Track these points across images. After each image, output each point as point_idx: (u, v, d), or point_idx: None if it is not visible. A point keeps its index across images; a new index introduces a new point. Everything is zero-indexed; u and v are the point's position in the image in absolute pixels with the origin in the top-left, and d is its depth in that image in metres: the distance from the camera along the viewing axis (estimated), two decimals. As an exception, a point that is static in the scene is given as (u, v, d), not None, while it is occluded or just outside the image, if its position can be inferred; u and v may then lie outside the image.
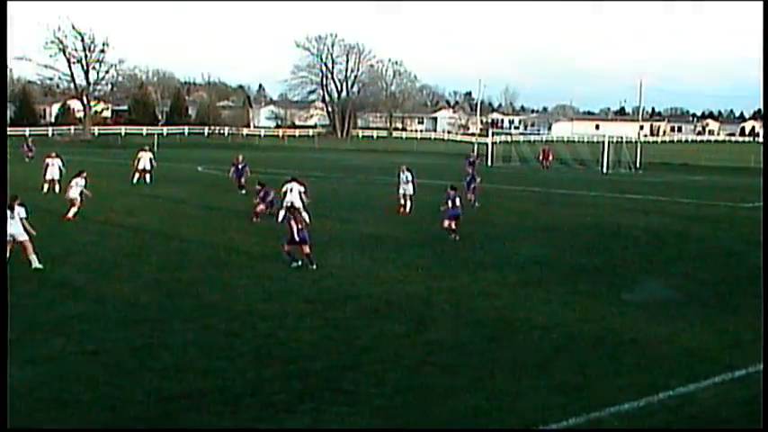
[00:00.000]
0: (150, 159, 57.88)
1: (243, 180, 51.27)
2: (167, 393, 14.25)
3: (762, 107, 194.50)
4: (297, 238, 25.90)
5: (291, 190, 38.35)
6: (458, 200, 33.34)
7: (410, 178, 43.06)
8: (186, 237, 31.91)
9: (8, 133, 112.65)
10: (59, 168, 50.57)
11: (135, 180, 55.67)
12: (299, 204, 36.42)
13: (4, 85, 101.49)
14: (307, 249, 25.93)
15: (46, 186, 49.07)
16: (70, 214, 37.09)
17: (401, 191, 42.92)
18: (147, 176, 56.59)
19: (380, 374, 15.54)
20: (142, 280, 23.77)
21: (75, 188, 38.11)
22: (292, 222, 26.18)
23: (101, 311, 20.02)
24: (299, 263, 25.79)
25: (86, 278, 23.94)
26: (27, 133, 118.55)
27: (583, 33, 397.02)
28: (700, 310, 21.32)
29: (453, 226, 32.83)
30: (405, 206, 42.33)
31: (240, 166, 52.03)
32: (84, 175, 39.30)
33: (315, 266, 25.59)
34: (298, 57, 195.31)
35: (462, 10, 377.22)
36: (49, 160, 51.32)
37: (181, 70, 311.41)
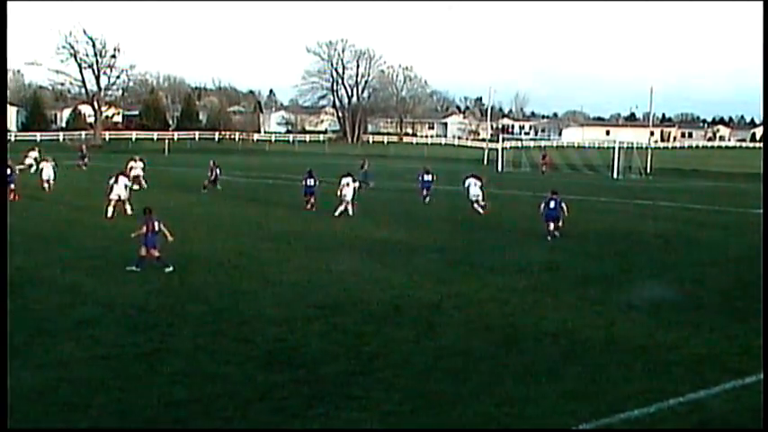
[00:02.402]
0: (141, 168, 59.41)
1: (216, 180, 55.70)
2: (177, 398, 14.27)
3: (762, 110, 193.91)
4: (152, 241, 25.79)
5: (348, 184, 42.31)
6: (552, 203, 35.90)
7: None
8: (196, 242, 31.94)
9: (19, 138, 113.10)
10: (53, 170, 53.89)
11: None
12: (350, 198, 41.93)
13: (4, 85, 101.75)
14: (156, 253, 25.78)
15: (46, 186, 52.13)
16: (111, 210, 39.36)
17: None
18: (143, 182, 57.59)
19: (390, 380, 15.54)
20: (152, 285, 23.78)
21: (120, 187, 40.47)
22: (145, 227, 25.89)
23: (110, 316, 20.07)
24: (172, 267, 25.57)
25: (96, 283, 23.96)
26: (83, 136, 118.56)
27: (593, 39, 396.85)
28: (709, 317, 21.28)
29: (552, 227, 35.60)
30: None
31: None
32: (126, 174, 42.33)
33: (172, 268, 25.53)
34: (308, 62, 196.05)
35: (473, 16, 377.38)
36: (44, 163, 54.94)
37: (191, 75, 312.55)
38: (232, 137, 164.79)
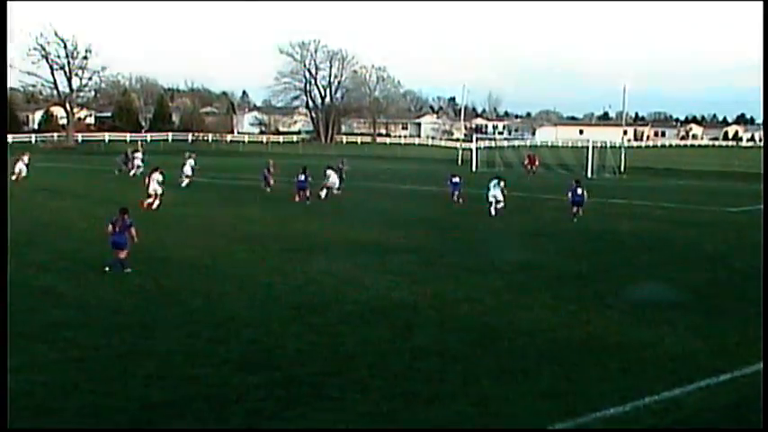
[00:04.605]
0: (192, 165, 61.55)
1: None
2: (152, 401, 14.19)
3: (762, 112, 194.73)
4: (114, 242, 25.62)
5: (331, 175, 46.19)
6: (579, 190, 43.31)
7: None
8: (170, 244, 31.80)
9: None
10: (26, 165, 61.12)
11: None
12: (337, 184, 47.22)
13: (5, 87, 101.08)
14: (122, 255, 25.59)
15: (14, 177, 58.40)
16: (152, 204, 43.65)
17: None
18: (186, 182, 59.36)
19: (366, 381, 15.51)
20: (126, 287, 23.65)
21: (154, 183, 44.72)
22: (110, 227, 25.79)
23: (84, 318, 19.94)
24: (108, 268, 25.40)
25: (70, 285, 23.81)
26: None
27: (567, 38, 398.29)
28: (684, 315, 21.33)
29: (575, 210, 42.99)
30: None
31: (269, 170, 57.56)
32: (161, 170, 46.23)
33: (129, 270, 25.26)
34: (281, 63, 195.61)
35: (446, 16, 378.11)
36: (22, 156, 62.65)
37: (164, 77, 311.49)
38: (205, 138, 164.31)
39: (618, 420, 13.79)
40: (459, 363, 16.91)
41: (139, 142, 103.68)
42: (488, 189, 45.16)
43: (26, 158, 62.77)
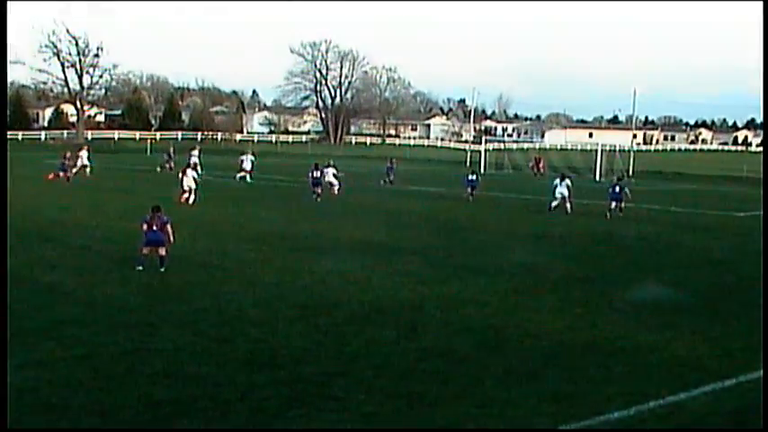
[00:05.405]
0: (252, 160, 66.32)
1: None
2: (157, 399, 14.21)
3: (762, 114, 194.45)
4: (152, 239, 25.78)
5: (327, 173, 48.45)
6: (617, 188, 46.35)
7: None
8: (178, 242, 31.79)
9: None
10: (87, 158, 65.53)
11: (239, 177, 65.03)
12: (335, 182, 49.25)
13: (5, 85, 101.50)
14: (162, 252, 25.79)
15: (79, 170, 63.24)
16: (188, 199, 46.10)
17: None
18: (248, 176, 64.32)
19: (370, 381, 15.52)
20: (133, 284, 23.69)
21: (189, 178, 47.19)
22: (145, 225, 25.95)
23: (91, 316, 19.97)
24: (142, 267, 25.48)
25: (77, 282, 23.86)
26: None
27: (577, 42, 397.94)
28: (690, 319, 21.32)
29: (613, 206, 45.80)
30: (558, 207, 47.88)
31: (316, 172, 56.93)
32: (197, 167, 50.61)
33: (163, 269, 25.42)
34: (292, 63, 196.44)
35: (457, 18, 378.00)
36: (81, 152, 65.87)
37: (174, 75, 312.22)
38: (215, 137, 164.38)
39: (622, 424, 13.78)
40: (465, 364, 16.93)
41: (168, 141, 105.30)
42: (555, 186, 48.05)
43: (85, 154, 65.42)
